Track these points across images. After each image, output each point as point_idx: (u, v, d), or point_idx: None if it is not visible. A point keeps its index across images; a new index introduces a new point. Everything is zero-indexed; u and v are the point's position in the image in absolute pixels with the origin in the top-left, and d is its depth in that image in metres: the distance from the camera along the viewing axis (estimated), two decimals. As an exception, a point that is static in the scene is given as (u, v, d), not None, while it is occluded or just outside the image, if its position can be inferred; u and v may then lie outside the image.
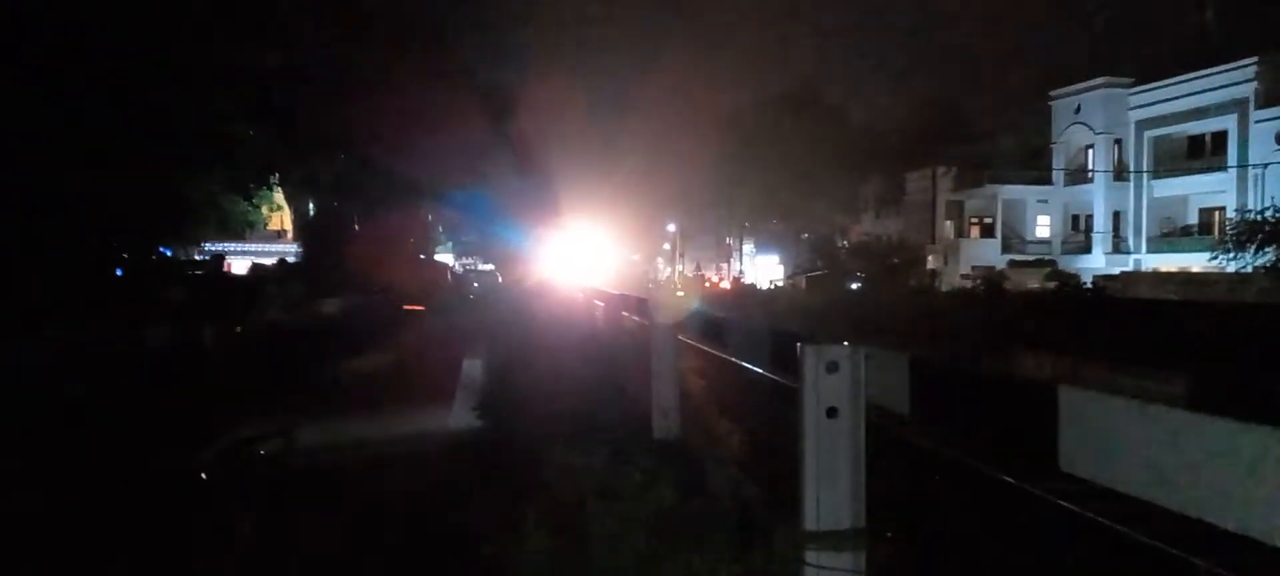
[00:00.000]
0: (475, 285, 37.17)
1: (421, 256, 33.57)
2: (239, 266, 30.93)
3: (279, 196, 35.65)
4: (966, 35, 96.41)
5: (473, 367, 14.73)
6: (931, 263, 50.08)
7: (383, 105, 22.33)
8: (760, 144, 62.68)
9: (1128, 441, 3.12)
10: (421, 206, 30.26)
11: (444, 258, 40.29)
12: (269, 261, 31.17)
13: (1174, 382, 15.95)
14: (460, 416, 11.65)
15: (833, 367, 4.34)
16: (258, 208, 32.70)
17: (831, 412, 4.33)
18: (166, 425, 9.56)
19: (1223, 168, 41.02)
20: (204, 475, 8.50)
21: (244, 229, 34.96)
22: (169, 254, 22.64)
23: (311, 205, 29.64)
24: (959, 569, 7.09)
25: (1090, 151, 49.30)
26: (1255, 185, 38.21)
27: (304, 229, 31.18)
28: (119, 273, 19.89)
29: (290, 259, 30.08)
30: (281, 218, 41.76)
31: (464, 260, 41.06)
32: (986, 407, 4.67)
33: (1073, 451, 3.27)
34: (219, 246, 30.84)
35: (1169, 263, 41.65)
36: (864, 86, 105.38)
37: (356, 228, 27.48)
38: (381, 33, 22.52)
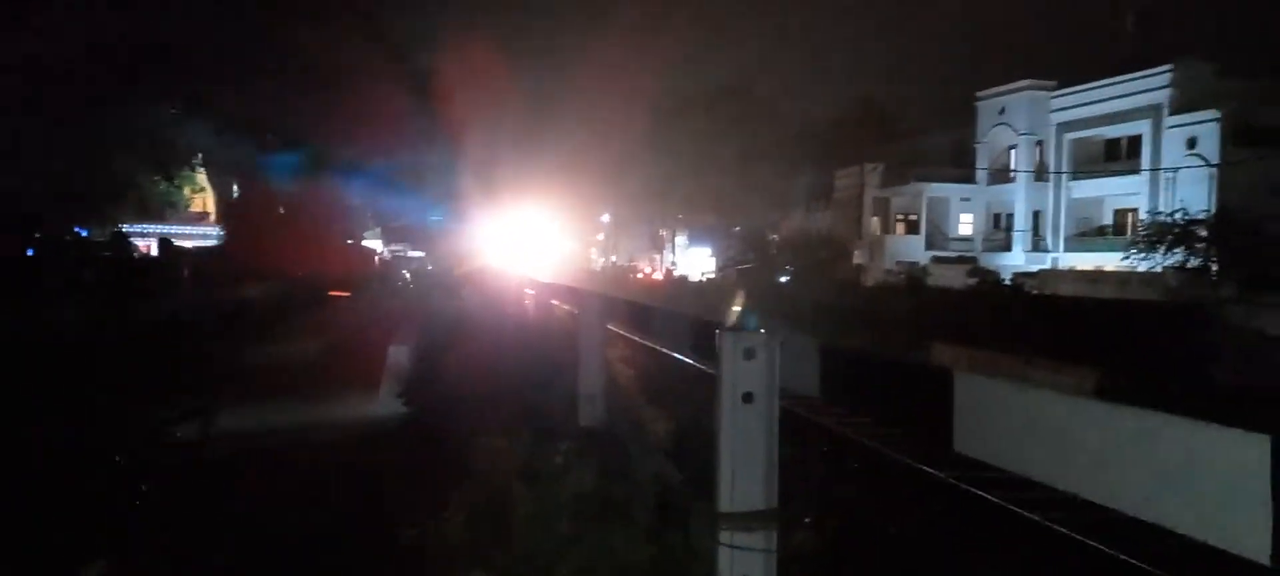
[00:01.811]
0: (404, 271, 36.73)
1: (348, 241, 33.03)
2: (156, 247, 30.03)
3: (202, 178, 34.76)
4: (899, 37, 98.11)
5: (399, 354, 14.58)
6: (858, 258, 50.94)
7: (309, 85, 21.90)
8: (695, 136, 63.09)
9: (1011, 422, 3.30)
10: (349, 190, 29.77)
11: (372, 243, 39.66)
12: (189, 243, 30.37)
13: (1086, 376, 16.60)
14: (386, 403, 11.56)
15: (750, 354, 4.44)
16: (180, 189, 31.84)
17: (748, 398, 4.43)
18: (77, 409, 9.29)
19: (1137, 171, 42.50)
20: (118, 459, 8.31)
21: (165, 210, 34.01)
22: (85, 234, 21.91)
23: (235, 187, 28.94)
24: (858, 533, 7.45)
25: (1013, 152, 50.65)
26: (1167, 188, 39.66)
27: (227, 211, 30.43)
28: (30, 253, 19.21)
29: (212, 241, 29.38)
30: (204, 199, 40.72)
31: (393, 246, 40.48)
32: (891, 392, 4.86)
33: (965, 432, 3.45)
34: (138, 227, 29.94)
35: (1085, 261, 43.04)
36: (798, 83, 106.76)
37: (281, 211, 26.89)
38: (307, 10, 22.04)
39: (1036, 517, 8.16)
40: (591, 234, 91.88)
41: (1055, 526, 7.97)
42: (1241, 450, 2.48)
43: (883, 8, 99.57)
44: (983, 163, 51.92)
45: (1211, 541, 2.60)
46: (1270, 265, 26.61)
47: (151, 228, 32.27)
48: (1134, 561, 6.95)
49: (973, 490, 8.87)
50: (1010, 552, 7.76)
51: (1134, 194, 42.69)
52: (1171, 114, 40.46)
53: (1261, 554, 2.45)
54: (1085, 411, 3.11)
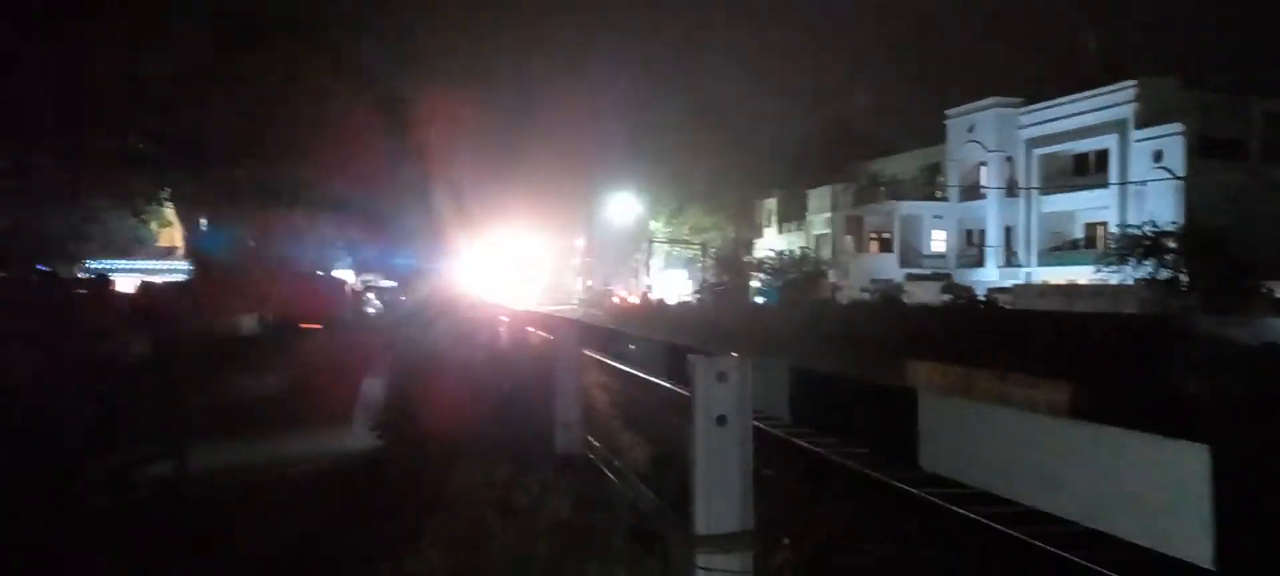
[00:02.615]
0: (377, 303, 36.49)
1: (319, 273, 32.78)
2: (127, 284, 29.71)
3: (170, 212, 34.45)
4: (871, 57, 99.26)
5: (373, 387, 14.48)
6: (833, 277, 51.30)
7: (278, 117, 21.84)
8: (669, 160, 63.52)
9: (973, 440, 3.37)
10: (320, 221, 29.61)
11: (344, 274, 39.42)
12: (159, 279, 30.05)
13: (1059, 391, 16.76)
14: (360, 436, 11.46)
15: (722, 378, 4.47)
16: (147, 224, 31.53)
17: (721, 420, 4.46)
18: (50, 447, 9.16)
19: (1106, 185, 43.16)
20: (89, 499, 8.19)
21: (132, 246, 33.66)
22: (48, 271, 21.65)
23: (204, 221, 28.73)
24: (834, 550, 7.58)
25: (983, 169, 51.32)
26: (1135, 201, 40.31)
27: (196, 245, 30.19)
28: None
29: (182, 276, 29.10)
30: (172, 233, 40.33)
31: (365, 277, 40.25)
32: (859, 412, 4.92)
33: (930, 450, 3.51)
34: (105, 264, 29.60)
35: (1058, 275, 43.59)
36: (769, 105, 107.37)
37: (251, 244, 26.71)
38: (275, 41, 22.00)
39: (998, 527, 8.39)
40: (567, 259, 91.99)
41: (1009, 531, 8.19)
42: (1185, 460, 2.55)
43: (850, 31, 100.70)
44: (954, 180, 52.54)
45: (1162, 549, 2.67)
46: (1237, 275, 27.11)
47: (120, 264, 31.96)
48: (1096, 568, 7.06)
49: (943, 504, 9.03)
50: (974, 560, 7.90)
51: (1104, 207, 43.32)
52: (1137, 128, 41.16)
53: (1206, 559, 2.52)
54: (1041, 427, 3.18)
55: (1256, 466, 2.52)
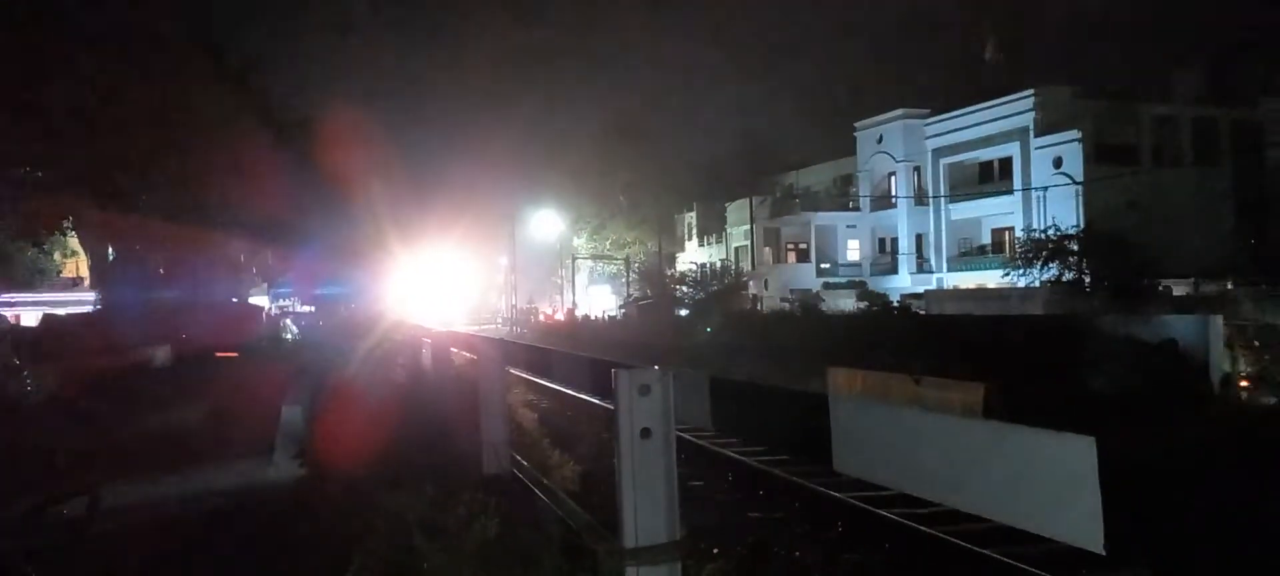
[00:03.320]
0: (294, 328, 35.73)
1: (233, 300, 31.98)
2: (29, 318, 28.53)
3: (74, 241, 33.23)
4: (785, 69, 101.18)
5: (293, 414, 14.23)
6: (753, 287, 51.99)
7: (185, 143, 21.27)
8: (589, 175, 63.75)
9: (882, 441, 3.54)
10: (233, 248, 28.89)
11: (259, 300, 38.49)
12: (64, 311, 28.94)
13: (973, 393, 17.30)
14: (281, 465, 11.26)
15: (645, 391, 4.55)
16: (50, 254, 30.37)
17: (645, 433, 4.54)
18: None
19: (1010, 191, 44.69)
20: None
21: (34, 277, 32.36)
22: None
23: (110, 250, 27.77)
24: (759, 552, 7.79)
25: (893, 178, 52.68)
26: (1038, 206, 41.80)
27: (103, 275, 29.16)
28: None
29: (89, 307, 28.07)
30: (77, 263, 38.91)
31: (281, 302, 39.34)
32: (777, 420, 5.07)
33: (843, 453, 3.66)
34: (3, 298, 28.40)
35: (968, 280, 44.95)
36: (688, 118, 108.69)
37: (161, 272, 25.93)
38: (180, 66, 21.40)
39: (917, 527, 8.62)
40: (493, 277, 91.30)
41: (928, 530, 8.43)
42: (1075, 453, 2.74)
43: (763, 43, 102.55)
44: (866, 190, 53.80)
45: (1064, 539, 2.84)
46: (1136, 275, 28.37)
47: (22, 296, 30.69)
48: (1008, 560, 7.34)
49: (864, 507, 9.31)
50: (899, 562, 8.20)
51: (1009, 213, 44.83)
52: (1037, 136, 42.70)
53: (1097, 545, 2.70)
54: (947, 427, 3.35)
55: (1140, 455, 2.73)
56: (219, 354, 22.94)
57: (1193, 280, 31.27)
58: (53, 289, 36.24)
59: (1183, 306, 25.87)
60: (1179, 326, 20.14)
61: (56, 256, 36.05)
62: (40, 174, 21.46)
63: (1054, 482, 2.79)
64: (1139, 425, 12.52)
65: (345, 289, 34.46)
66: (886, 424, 3.62)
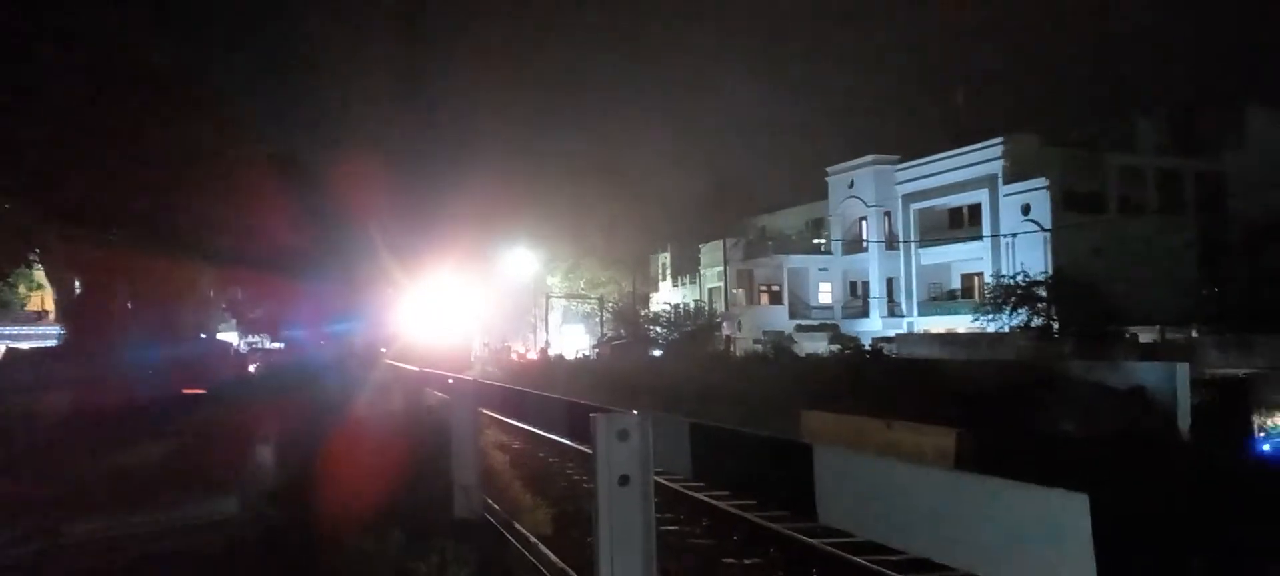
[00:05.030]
0: (263, 365, 35.29)
1: (202, 336, 31.54)
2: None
3: (40, 274, 32.69)
4: (758, 113, 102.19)
5: (261, 453, 14.00)
6: (726, 329, 52.07)
7: (157, 178, 21.01)
8: (564, 215, 63.97)
9: (866, 492, 3.52)
10: (202, 283, 28.53)
11: (228, 336, 37.99)
12: (27, 345, 28.41)
13: (945, 437, 17.34)
14: (248, 504, 11.05)
15: (623, 436, 4.51)
16: (14, 287, 29.85)
17: (624, 480, 4.49)
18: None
19: (979, 237, 45.19)
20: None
21: (-4, 311, 31.81)
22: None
23: (77, 283, 27.30)
24: None
25: (864, 223, 53.18)
26: (1007, 252, 42.31)
27: (68, 309, 28.67)
28: None
29: (54, 342, 27.57)
30: (42, 297, 38.28)
31: (251, 339, 38.86)
32: (759, 467, 5.03)
33: (827, 503, 3.63)
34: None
35: (938, 324, 45.30)
36: (663, 159, 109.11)
37: (129, 307, 25.50)
38: (151, 97, 21.15)
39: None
40: (465, 317, 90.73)
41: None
42: (1066, 509, 2.73)
43: (737, 87, 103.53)
44: (837, 234, 54.27)
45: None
46: (1104, 321, 28.71)
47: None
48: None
49: (842, 555, 9.11)
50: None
51: (978, 259, 45.31)
52: (1006, 183, 43.28)
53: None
54: (930, 479, 3.33)
55: (1132, 511, 2.72)
56: (186, 390, 22.56)
57: (1159, 327, 31.69)
58: (16, 322, 35.63)
59: (1149, 353, 26.20)
60: (1147, 373, 20.40)
61: (20, 289, 35.47)
62: (6, 206, 21.11)
63: (1044, 539, 2.78)
64: (1116, 473, 12.58)
65: (317, 327, 34.11)
66: (872, 475, 3.60)
